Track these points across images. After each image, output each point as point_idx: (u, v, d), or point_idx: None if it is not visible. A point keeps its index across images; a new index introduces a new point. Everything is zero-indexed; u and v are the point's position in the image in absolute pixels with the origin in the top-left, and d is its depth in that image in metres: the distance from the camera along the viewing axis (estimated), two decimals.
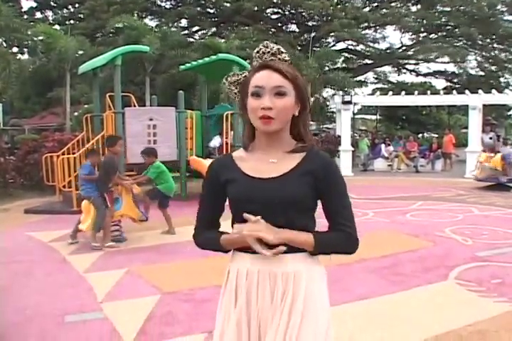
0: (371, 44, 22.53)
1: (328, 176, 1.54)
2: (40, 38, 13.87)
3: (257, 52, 1.56)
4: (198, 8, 21.51)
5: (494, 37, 20.43)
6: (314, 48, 18.36)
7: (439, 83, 45.85)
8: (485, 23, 18.74)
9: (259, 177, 1.54)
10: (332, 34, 19.25)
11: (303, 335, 1.46)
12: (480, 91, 14.66)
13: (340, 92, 16.04)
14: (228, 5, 20.67)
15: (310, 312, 1.49)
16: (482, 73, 22.35)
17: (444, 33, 20.38)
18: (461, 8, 19.83)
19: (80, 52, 13.78)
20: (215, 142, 10.24)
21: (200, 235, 1.67)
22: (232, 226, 1.60)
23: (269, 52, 1.55)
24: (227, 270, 1.64)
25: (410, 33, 21.34)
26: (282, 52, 1.56)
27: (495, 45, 21.14)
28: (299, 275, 1.51)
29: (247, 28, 20.39)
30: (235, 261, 1.60)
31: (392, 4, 20.10)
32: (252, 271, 1.53)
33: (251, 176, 1.55)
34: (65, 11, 24.51)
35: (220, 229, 1.67)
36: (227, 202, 1.65)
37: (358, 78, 22.22)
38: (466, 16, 19.13)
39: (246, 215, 1.47)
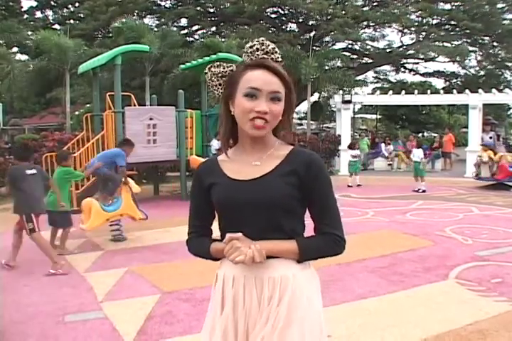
0: (371, 43, 22.56)
1: (309, 174, 1.47)
2: (39, 37, 13.86)
3: (250, 47, 1.50)
4: (198, 8, 21.49)
5: (494, 35, 20.40)
6: (314, 47, 18.34)
7: (439, 82, 45.95)
8: (485, 21, 18.73)
9: (241, 180, 1.50)
10: (331, 34, 19.23)
11: (286, 340, 1.41)
12: (480, 90, 14.65)
13: (341, 92, 16.01)
14: (229, 5, 20.66)
15: (294, 317, 1.43)
16: (482, 72, 22.34)
17: (444, 33, 20.35)
18: (461, 7, 19.83)
19: (80, 51, 13.76)
20: (215, 145, 10.24)
21: (192, 242, 1.64)
22: (220, 228, 1.58)
23: (263, 49, 1.49)
24: (215, 276, 1.61)
25: (410, 32, 21.34)
26: (276, 52, 1.51)
27: (495, 44, 21.12)
28: (286, 280, 1.46)
29: (247, 27, 20.37)
30: (223, 267, 1.57)
31: (394, 2, 20.06)
32: (238, 277, 1.50)
33: (233, 179, 1.52)
34: (65, 10, 24.50)
35: (212, 236, 1.64)
36: None
37: (358, 77, 22.19)
38: (467, 15, 19.12)
39: (228, 237, 1.43)
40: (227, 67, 1.55)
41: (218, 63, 1.57)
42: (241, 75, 1.47)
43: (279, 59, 1.51)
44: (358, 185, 11.79)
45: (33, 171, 4.99)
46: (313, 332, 1.47)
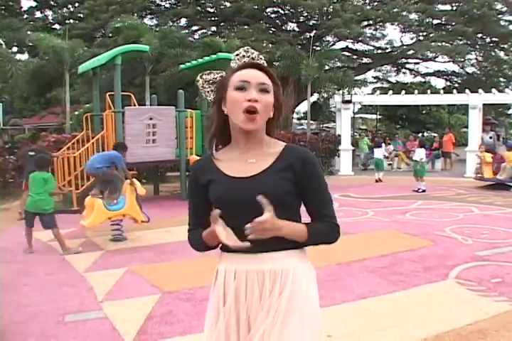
0: (371, 42, 22.54)
1: (305, 169, 1.55)
2: (36, 38, 13.87)
3: (237, 55, 1.62)
4: (198, 8, 21.48)
5: (493, 37, 20.43)
6: (314, 47, 18.33)
7: (439, 82, 45.97)
8: (483, 23, 18.72)
9: (238, 177, 1.55)
10: (332, 32, 19.20)
11: (286, 332, 1.46)
12: (480, 90, 14.64)
13: (340, 92, 16.00)
14: (228, 4, 20.66)
15: (294, 309, 1.49)
16: (482, 72, 22.34)
17: (444, 33, 20.36)
18: (460, 8, 19.84)
19: (80, 51, 13.77)
20: None
21: (190, 237, 1.69)
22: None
23: (249, 56, 1.61)
24: (215, 270, 1.64)
25: (410, 32, 21.34)
26: (261, 58, 1.62)
27: (493, 45, 21.13)
28: (287, 273, 1.52)
29: (246, 27, 20.36)
30: (223, 262, 1.61)
31: (393, 2, 20.06)
32: (240, 270, 1.54)
33: (230, 176, 1.56)
34: (64, 10, 24.49)
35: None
36: None
37: (358, 77, 22.18)
38: (466, 15, 19.13)
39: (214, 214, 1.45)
40: (217, 73, 1.67)
41: (209, 71, 1.69)
42: (230, 77, 1.56)
43: (265, 64, 1.61)
44: (377, 180, 12.63)
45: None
46: (312, 322, 1.53)
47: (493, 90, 15.05)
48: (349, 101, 14.90)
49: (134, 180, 6.29)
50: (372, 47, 23.04)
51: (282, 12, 21.98)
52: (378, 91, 20.40)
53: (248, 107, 1.47)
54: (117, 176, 6.52)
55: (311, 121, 18.76)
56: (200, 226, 1.65)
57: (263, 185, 1.51)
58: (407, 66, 24.65)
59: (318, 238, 1.56)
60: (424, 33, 20.78)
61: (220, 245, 1.63)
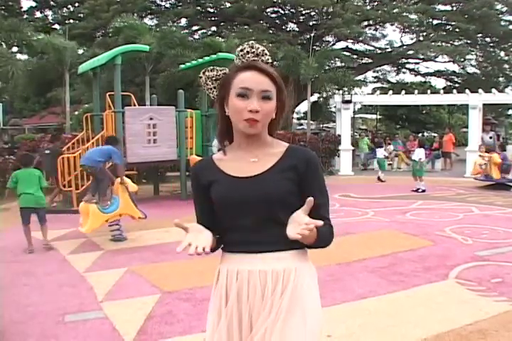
0: (371, 42, 22.56)
1: (309, 170, 1.55)
2: (36, 39, 13.90)
3: (241, 50, 1.56)
4: (198, 8, 21.49)
5: (494, 37, 20.45)
6: (314, 47, 18.34)
7: (439, 82, 45.94)
8: (483, 23, 18.73)
9: (241, 177, 1.54)
10: (332, 32, 19.21)
11: (288, 329, 1.46)
12: (480, 90, 14.64)
13: (340, 92, 15.99)
14: (228, 5, 20.68)
15: (296, 307, 1.49)
16: (482, 72, 22.34)
17: (444, 33, 20.38)
18: (460, 8, 19.85)
19: (80, 51, 13.81)
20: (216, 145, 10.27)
21: None
22: (216, 221, 1.61)
23: (253, 52, 1.56)
24: (216, 271, 1.64)
25: (410, 32, 21.35)
26: (266, 54, 1.57)
27: (493, 45, 21.14)
28: (289, 273, 1.52)
29: (246, 27, 20.38)
30: (225, 262, 1.60)
31: (393, 3, 20.08)
32: (242, 270, 1.54)
33: (232, 176, 1.55)
34: (64, 10, 24.51)
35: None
36: None
37: (358, 77, 22.19)
38: (466, 15, 19.14)
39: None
40: (220, 70, 1.63)
41: (212, 67, 1.64)
42: (233, 77, 1.53)
43: (269, 60, 1.58)
44: (382, 181, 12.78)
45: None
46: (313, 321, 1.53)
47: (493, 90, 15.05)
48: (349, 101, 14.89)
49: (124, 177, 6.27)
50: (372, 48, 23.07)
51: (282, 12, 22.00)
52: (378, 91, 20.40)
53: (249, 119, 1.47)
54: (108, 177, 6.57)
55: (311, 121, 18.75)
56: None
57: (266, 184, 1.51)
58: (407, 66, 24.68)
59: (323, 241, 1.54)
60: (424, 34, 20.79)
61: (222, 245, 1.63)
